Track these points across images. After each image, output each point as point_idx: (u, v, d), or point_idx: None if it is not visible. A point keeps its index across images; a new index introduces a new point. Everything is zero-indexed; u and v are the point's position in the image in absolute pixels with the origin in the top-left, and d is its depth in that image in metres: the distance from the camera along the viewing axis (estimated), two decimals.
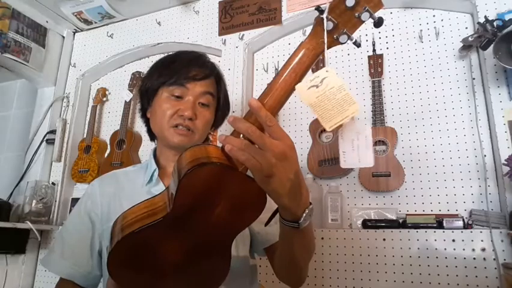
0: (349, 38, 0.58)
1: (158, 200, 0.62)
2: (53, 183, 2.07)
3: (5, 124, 2.56)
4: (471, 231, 1.31)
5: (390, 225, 1.41)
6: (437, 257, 1.32)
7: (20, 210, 1.93)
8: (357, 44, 0.60)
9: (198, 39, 1.99)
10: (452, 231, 1.32)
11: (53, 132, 2.13)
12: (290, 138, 0.57)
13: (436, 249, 1.33)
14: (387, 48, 1.67)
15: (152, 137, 1.00)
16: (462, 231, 1.31)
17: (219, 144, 0.58)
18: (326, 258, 1.45)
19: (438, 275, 1.31)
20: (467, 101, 1.49)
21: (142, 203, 0.63)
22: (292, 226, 0.64)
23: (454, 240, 1.31)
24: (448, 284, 1.30)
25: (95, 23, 2.24)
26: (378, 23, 0.58)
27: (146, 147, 2.03)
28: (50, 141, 2.12)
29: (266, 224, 0.67)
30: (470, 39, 1.41)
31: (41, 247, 2.02)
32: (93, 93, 2.24)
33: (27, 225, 1.82)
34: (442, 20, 1.60)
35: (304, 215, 0.62)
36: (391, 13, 1.69)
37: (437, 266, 1.32)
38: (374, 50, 1.65)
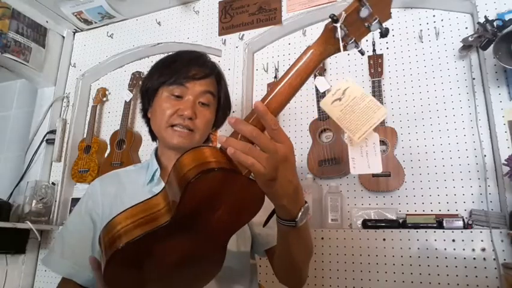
0: (356, 46, 0.59)
1: (154, 203, 0.60)
2: (53, 183, 2.07)
3: (5, 124, 2.56)
4: (471, 231, 1.31)
5: (390, 225, 1.41)
6: (437, 257, 1.32)
7: (20, 210, 1.93)
8: (362, 52, 0.61)
9: (198, 39, 1.99)
10: (452, 231, 1.32)
11: (53, 132, 2.13)
12: (290, 140, 0.57)
13: (436, 249, 1.33)
14: (387, 48, 1.67)
15: (154, 137, 1.00)
16: (462, 231, 1.31)
17: (218, 145, 0.58)
18: (326, 258, 1.45)
19: (438, 275, 1.31)
20: (467, 101, 1.49)
21: (135, 207, 0.60)
22: (290, 225, 0.64)
23: (454, 240, 1.31)
24: (448, 284, 1.30)
25: (95, 23, 2.24)
26: (385, 33, 0.59)
27: (146, 147, 2.03)
28: (50, 141, 2.12)
29: (264, 225, 0.68)
30: (470, 39, 1.41)
31: (41, 247, 2.02)
32: (93, 93, 2.24)
33: (27, 225, 1.82)
34: (442, 20, 1.61)
35: (300, 213, 0.63)
36: (391, 13, 1.69)
37: (437, 266, 1.32)
38: (374, 50, 1.65)
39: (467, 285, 1.28)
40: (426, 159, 1.50)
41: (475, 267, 1.28)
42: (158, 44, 2.09)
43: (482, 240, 1.29)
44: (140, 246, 0.56)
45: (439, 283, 1.30)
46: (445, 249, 1.32)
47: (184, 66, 0.90)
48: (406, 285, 1.34)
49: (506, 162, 1.26)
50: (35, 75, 2.14)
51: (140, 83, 1.98)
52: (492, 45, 1.28)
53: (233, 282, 0.86)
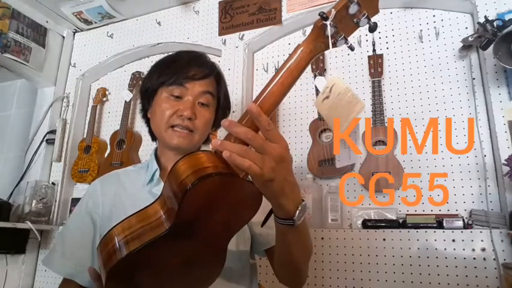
0: (346, 42, 0.59)
1: (151, 212, 0.59)
2: (53, 183, 2.06)
3: (5, 124, 2.56)
4: (471, 231, 1.31)
5: (390, 225, 1.41)
6: (437, 257, 1.32)
7: (20, 210, 1.93)
8: (352, 48, 0.61)
9: (198, 39, 1.99)
10: (452, 231, 1.32)
11: (53, 132, 2.13)
12: (285, 139, 0.57)
13: (436, 249, 1.33)
14: (387, 48, 1.67)
15: (154, 137, 1.00)
16: (462, 231, 1.31)
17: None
18: (326, 258, 1.45)
19: (438, 275, 1.31)
20: (467, 101, 1.49)
21: (132, 217, 0.59)
22: (288, 224, 0.64)
23: (454, 240, 1.31)
24: (448, 284, 1.30)
25: (95, 23, 2.24)
26: (373, 28, 0.59)
27: (146, 147, 2.03)
28: (50, 141, 2.12)
29: (262, 225, 0.68)
30: (470, 39, 1.41)
31: (41, 247, 2.02)
32: (93, 93, 2.24)
33: (27, 225, 1.82)
34: (442, 20, 1.60)
35: (297, 211, 0.63)
36: (391, 13, 1.69)
37: (437, 266, 1.32)
38: (374, 50, 1.65)
39: (467, 285, 1.28)
40: (426, 159, 1.50)
41: (475, 267, 1.28)
42: (158, 44, 2.09)
43: (482, 240, 1.29)
44: (139, 257, 0.56)
45: (439, 283, 1.30)
46: (445, 249, 1.32)
47: (184, 66, 0.90)
48: (406, 285, 1.34)
49: (506, 162, 1.26)
50: (35, 75, 2.13)
51: (140, 83, 1.98)
52: (492, 45, 1.28)
53: (233, 282, 0.86)
